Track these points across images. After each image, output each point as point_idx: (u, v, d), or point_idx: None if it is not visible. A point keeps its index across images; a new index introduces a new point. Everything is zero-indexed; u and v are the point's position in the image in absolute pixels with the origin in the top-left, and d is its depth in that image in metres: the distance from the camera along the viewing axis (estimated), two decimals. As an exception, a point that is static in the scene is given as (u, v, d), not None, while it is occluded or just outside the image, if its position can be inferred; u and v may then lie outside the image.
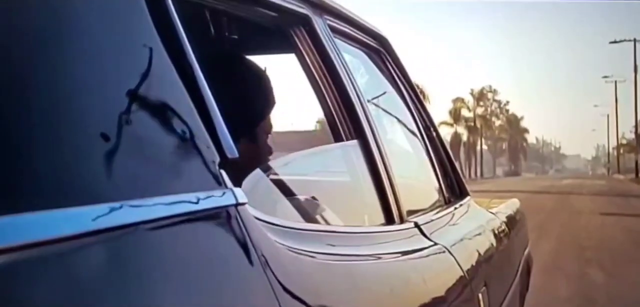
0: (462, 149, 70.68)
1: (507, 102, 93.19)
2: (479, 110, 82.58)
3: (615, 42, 61.51)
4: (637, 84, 56.59)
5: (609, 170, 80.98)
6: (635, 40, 59.39)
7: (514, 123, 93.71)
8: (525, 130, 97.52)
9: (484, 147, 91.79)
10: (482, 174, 75.85)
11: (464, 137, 76.13)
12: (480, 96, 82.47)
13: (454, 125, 75.12)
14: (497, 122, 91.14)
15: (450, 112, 76.42)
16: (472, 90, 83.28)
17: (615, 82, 69.91)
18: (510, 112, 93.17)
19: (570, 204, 20.58)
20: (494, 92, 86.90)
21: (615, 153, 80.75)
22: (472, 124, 78.69)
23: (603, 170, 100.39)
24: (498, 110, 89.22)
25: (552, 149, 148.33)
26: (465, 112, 78.88)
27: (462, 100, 79.19)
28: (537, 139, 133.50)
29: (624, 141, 75.32)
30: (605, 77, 73.49)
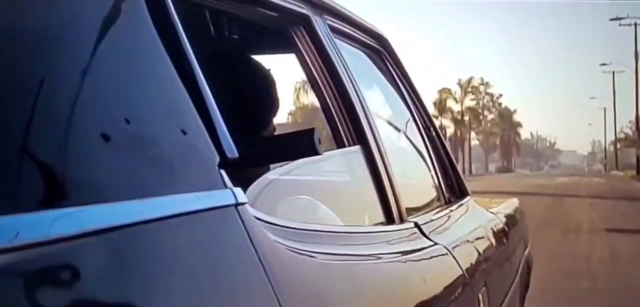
0: (448, 143, 66.49)
1: (500, 94, 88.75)
2: (470, 103, 78.55)
3: (616, 18, 56.15)
4: (638, 72, 52.49)
5: (606, 166, 78.05)
6: (636, 24, 54.80)
7: (506, 117, 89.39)
8: (518, 125, 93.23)
9: (476, 142, 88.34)
10: (470, 171, 70.57)
11: (451, 131, 71.86)
12: (468, 87, 77.66)
13: (439, 117, 70.08)
14: (489, 116, 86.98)
15: (434, 104, 71.78)
16: (459, 80, 78.71)
17: (613, 72, 66.79)
18: (503, 105, 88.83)
19: (566, 211, 15.68)
20: (486, 85, 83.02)
21: (612, 148, 77.45)
22: (460, 117, 74.69)
23: (599, 166, 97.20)
24: (490, 103, 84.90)
25: (547, 144, 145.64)
26: (453, 104, 74.89)
27: (449, 91, 74.65)
28: (531, 135, 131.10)
29: (622, 135, 72.32)
30: (603, 64, 68.94)
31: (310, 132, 1.18)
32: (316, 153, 1.17)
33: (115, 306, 0.59)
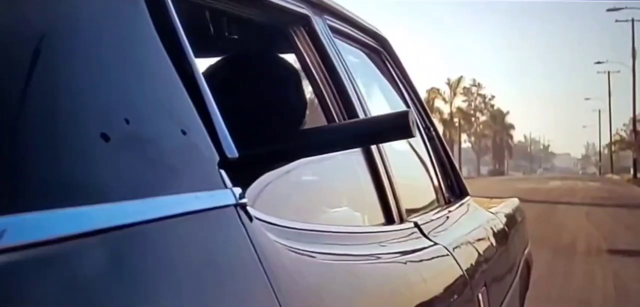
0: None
1: (492, 96, 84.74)
2: (462, 105, 75.90)
3: (614, 9, 52.34)
4: (635, 70, 50.64)
5: (600, 169, 75.64)
6: (633, 20, 52.29)
7: (498, 118, 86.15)
8: (511, 127, 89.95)
9: (467, 144, 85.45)
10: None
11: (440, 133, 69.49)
12: (458, 87, 74.11)
13: (428, 118, 67.89)
14: (481, 118, 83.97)
15: (422, 104, 69.54)
16: (448, 79, 74.82)
17: (608, 72, 64.46)
18: (495, 107, 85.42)
19: (558, 224, 12.66)
20: (478, 86, 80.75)
21: (607, 151, 75.55)
22: (449, 118, 71.96)
23: (593, 169, 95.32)
24: (482, 105, 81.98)
25: (541, 147, 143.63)
26: (442, 105, 71.60)
27: (438, 90, 71.51)
28: (525, 137, 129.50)
29: (617, 138, 69.88)
30: (599, 62, 65.51)
31: (405, 114, 1.16)
32: (411, 135, 1.15)
33: (115, 306, 0.59)
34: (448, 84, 74.27)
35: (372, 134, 1.22)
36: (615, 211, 16.31)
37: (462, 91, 77.04)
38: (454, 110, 73.94)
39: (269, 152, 1.25)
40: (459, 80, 75.42)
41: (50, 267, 0.55)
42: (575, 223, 13.12)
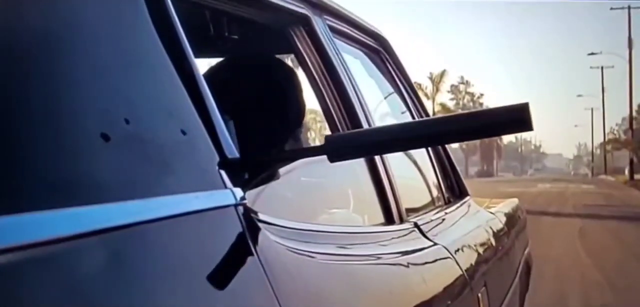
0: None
1: (481, 94, 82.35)
2: (450, 103, 72.97)
3: None
4: (632, 61, 49.17)
5: (592, 170, 74.06)
6: (629, 8, 50.03)
7: None
8: None
9: (455, 144, 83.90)
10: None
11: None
12: (441, 82, 68.75)
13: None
14: None
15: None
16: (431, 74, 68.15)
17: (602, 67, 63.37)
18: (484, 105, 78.38)
19: (540, 254, 5.89)
20: (467, 83, 79.33)
21: (599, 151, 73.97)
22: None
23: (585, 170, 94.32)
24: (471, 103, 78.95)
25: (533, 147, 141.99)
26: (423, 102, 68.34)
27: (419, 85, 64.13)
28: (516, 137, 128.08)
29: (611, 137, 67.88)
30: (593, 54, 63.22)
31: (525, 106, 1.15)
32: (531, 128, 1.15)
33: (115, 306, 0.59)
34: (430, 78, 68.29)
35: (488, 126, 1.21)
36: (619, 227, 12.34)
37: (449, 89, 74.64)
38: (438, 108, 66.37)
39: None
40: (442, 74, 69.51)
41: (50, 267, 0.55)
42: (564, 250, 9.11)
